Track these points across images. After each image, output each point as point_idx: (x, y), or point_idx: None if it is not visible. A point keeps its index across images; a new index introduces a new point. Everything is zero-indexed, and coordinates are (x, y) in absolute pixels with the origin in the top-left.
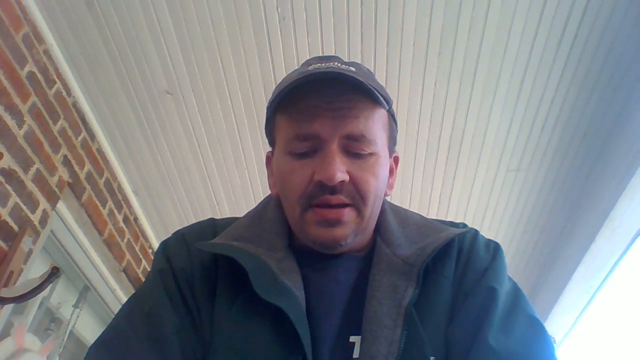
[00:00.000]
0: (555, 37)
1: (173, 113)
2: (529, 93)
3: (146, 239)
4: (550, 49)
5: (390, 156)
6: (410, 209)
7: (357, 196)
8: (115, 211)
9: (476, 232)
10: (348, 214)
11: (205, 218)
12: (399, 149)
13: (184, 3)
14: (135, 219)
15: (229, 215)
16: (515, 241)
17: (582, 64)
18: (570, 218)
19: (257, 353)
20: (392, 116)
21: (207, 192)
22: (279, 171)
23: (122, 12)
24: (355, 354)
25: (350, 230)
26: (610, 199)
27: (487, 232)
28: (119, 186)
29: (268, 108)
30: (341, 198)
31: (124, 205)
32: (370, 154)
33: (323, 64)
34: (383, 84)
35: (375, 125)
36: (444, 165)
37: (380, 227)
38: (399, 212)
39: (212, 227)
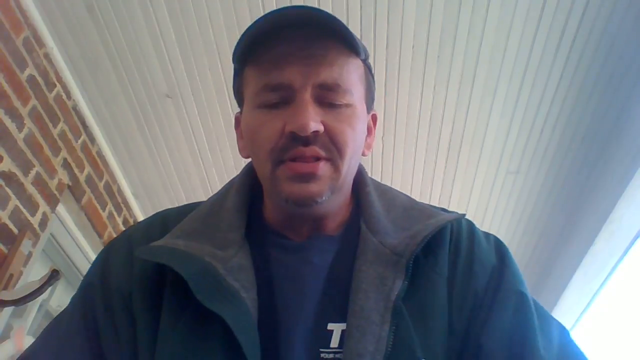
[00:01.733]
0: (555, 38)
1: (173, 116)
2: (528, 95)
3: None
4: (549, 51)
5: (368, 112)
6: None
7: (332, 148)
8: (115, 214)
9: (471, 222)
10: (323, 167)
11: None
12: (398, 150)
13: (183, 7)
14: (135, 222)
15: None
16: (515, 243)
17: (581, 66)
18: (569, 220)
19: None
20: (369, 69)
21: (206, 195)
22: (247, 127)
23: (122, 15)
24: (334, 343)
25: (326, 186)
26: (610, 201)
27: None
28: (119, 189)
29: (233, 57)
30: (315, 150)
31: (124, 208)
32: (347, 105)
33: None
34: (382, 86)
35: (351, 75)
36: (443, 167)
37: (364, 212)
38: (385, 192)
39: (161, 222)
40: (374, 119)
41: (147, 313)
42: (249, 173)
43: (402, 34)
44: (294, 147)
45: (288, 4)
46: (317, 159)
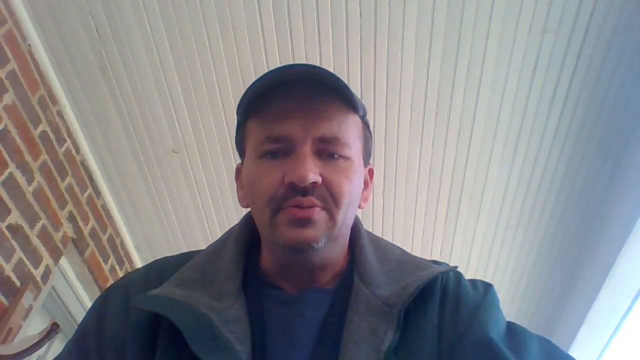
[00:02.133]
0: (548, 93)
1: (178, 171)
2: (525, 149)
3: None
4: (543, 106)
5: (365, 166)
6: None
7: (329, 199)
8: (117, 267)
9: (460, 273)
10: (319, 213)
11: None
12: (399, 205)
13: (191, 66)
14: None
15: None
16: (518, 299)
17: (575, 121)
18: (570, 276)
19: None
20: (366, 125)
21: None
22: (248, 177)
23: (133, 74)
24: None
25: (321, 232)
26: (610, 255)
27: None
28: (122, 242)
29: (237, 110)
30: (312, 200)
31: (126, 262)
32: (344, 158)
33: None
34: (382, 142)
35: (349, 129)
36: (443, 222)
37: (358, 264)
38: (379, 245)
39: (159, 270)
40: (371, 173)
41: None
42: (248, 222)
43: (400, 92)
44: (293, 197)
45: (291, 62)
46: (314, 207)
